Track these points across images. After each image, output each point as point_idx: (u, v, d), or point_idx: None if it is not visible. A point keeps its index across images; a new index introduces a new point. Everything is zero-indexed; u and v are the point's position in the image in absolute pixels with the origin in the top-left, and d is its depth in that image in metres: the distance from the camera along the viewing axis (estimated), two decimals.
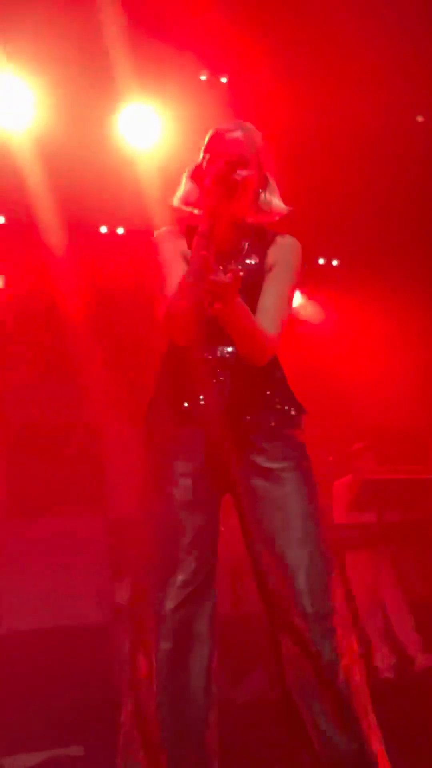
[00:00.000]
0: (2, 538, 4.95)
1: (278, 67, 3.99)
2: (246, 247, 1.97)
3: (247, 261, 1.93)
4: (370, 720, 1.79)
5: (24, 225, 4.59)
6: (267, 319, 1.88)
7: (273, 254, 1.96)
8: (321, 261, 5.99)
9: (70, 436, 5.66)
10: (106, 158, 4.34)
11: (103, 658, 3.91)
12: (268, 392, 1.94)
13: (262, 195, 1.94)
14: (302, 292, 6.01)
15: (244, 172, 1.84)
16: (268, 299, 1.91)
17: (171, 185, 2.02)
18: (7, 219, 5.04)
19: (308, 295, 6.11)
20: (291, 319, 2.00)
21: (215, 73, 4.16)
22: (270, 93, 4.06)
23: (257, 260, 1.94)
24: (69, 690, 3.70)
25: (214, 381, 1.90)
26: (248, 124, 1.93)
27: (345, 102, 4.21)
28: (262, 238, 1.98)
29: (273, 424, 1.90)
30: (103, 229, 5.30)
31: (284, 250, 1.97)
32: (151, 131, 4.25)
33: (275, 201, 1.97)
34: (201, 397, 1.89)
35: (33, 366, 5.56)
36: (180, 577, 1.84)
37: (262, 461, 1.88)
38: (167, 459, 1.92)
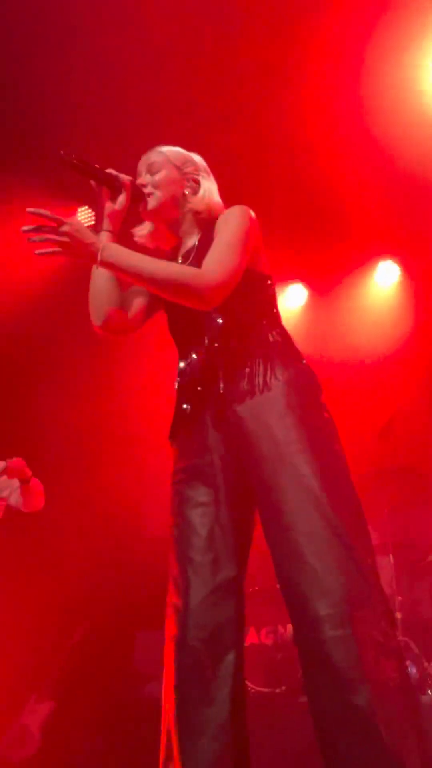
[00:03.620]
0: None
1: None
2: (197, 239, 2.15)
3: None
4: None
5: None
6: (205, 265, 1.95)
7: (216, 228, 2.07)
8: None
9: None
10: None
11: None
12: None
13: (189, 195, 2.15)
14: None
15: (125, 177, 2.06)
16: (209, 252, 1.99)
17: None
18: None
19: None
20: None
21: None
22: None
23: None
24: None
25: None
26: (160, 147, 2.21)
27: None
28: (210, 230, 2.10)
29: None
30: None
31: (222, 219, 2.08)
32: None
33: (204, 198, 2.15)
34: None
35: None
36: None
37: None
38: None
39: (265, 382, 1.95)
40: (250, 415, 1.94)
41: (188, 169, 2.20)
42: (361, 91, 4.11)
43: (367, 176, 4.63)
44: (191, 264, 2.10)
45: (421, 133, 4.28)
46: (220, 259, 1.97)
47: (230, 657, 1.90)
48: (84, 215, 5.69)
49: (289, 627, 4.09)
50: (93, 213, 5.61)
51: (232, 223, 2.05)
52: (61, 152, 1.95)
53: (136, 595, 5.24)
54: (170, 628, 1.94)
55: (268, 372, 1.96)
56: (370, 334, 5.75)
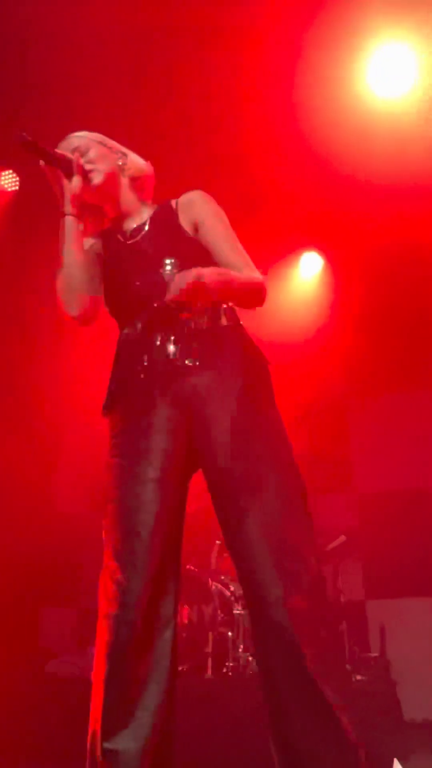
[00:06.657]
0: None
1: None
2: (148, 220, 2.12)
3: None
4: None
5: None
6: (244, 268, 1.99)
7: (188, 215, 2.09)
8: None
9: None
10: None
11: None
12: None
13: (123, 164, 2.16)
14: None
15: (73, 157, 2.04)
16: (229, 253, 2.03)
17: None
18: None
19: None
20: None
21: None
22: None
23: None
24: None
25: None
26: (75, 133, 2.16)
27: None
28: (165, 209, 2.13)
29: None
30: None
31: (198, 205, 2.09)
32: None
33: (137, 163, 2.19)
34: None
35: None
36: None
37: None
38: None
39: (220, 361, 1.94)
40: (207, 396, 1.92)
41: (110, 144, 2.21)
42: (294, 84, 4.14)
43: (296, 169, 4.69)
44: (142, 242, 2.09)
45: (349, 131, 4.39)
46: (247, 258, 2.04)
47: (168, 633, 1.91)
48: (8, 180, 5.52)
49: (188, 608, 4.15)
50: (17, 178, 5.47)
51: (217, 212, 2.10)
52: (21, 132, 1.91)
53: (41, 572, 5.21)
54: (108, 605, 1.88)
55: (225, 351, 1.97)
56: (290, 323, 5.83)
